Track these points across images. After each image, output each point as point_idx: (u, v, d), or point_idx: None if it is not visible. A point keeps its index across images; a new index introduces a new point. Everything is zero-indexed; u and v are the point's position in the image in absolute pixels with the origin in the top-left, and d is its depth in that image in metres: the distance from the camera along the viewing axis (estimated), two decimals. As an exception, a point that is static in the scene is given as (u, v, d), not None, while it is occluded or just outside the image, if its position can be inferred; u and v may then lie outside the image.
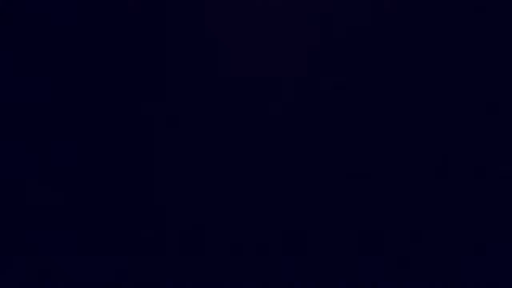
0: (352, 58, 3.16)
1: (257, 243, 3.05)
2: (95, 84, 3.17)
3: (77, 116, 3.15)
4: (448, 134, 3.11)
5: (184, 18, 3.19)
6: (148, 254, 3.04)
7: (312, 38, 3.18)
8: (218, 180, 3.10)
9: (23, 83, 3.17)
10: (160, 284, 3.02)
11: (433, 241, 3.04)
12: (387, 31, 3.16)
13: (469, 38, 3.15)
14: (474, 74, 3.14)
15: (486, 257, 3.01)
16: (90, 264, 3.03)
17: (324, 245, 3.05)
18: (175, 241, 3.06)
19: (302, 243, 3.05)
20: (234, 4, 3.21)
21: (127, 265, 3.03)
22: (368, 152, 3.12)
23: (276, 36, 3.20)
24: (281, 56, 3.18)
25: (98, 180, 3.10)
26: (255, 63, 3.18)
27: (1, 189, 3.09)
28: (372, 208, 3.07)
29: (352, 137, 3.13)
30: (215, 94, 3.17)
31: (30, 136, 3.12)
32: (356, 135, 3.13)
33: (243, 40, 3.20)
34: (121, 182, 3.10)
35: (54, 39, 3.19)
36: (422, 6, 3.17)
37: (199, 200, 3.09)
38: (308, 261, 3.03)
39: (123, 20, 3.19)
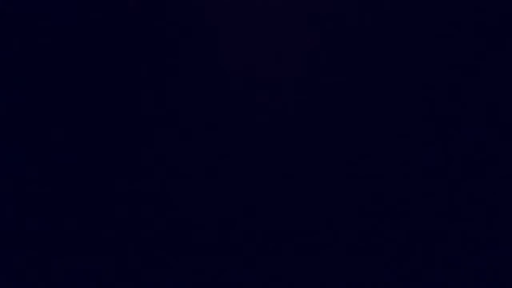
0: (352, 58, 3.16)
1: (257, 243, 3.05)
2: (94, 84, 3.17)
3: (75, 116, 3.16)
4: (448, 133, 3.11)
5: (183, 18, 3.19)
6: (148, 254, 3.04)
7: (312, 38, 3.18)
8: (218, 180, 3.10)
9: (23, 83, 3.18)
10: (160, 284, 3.02)
11: (433, 241, 3.04)
12: (387, 31, 3.16)
13: (469, 38, 3.15)
14: (474, 74, 3.14)
15: (486, 257, 3.01)
16: (90, 264, 3.03)
17: (324, 245, 3.05)
18: (175, 241, 3.06)
19: (302, 243, 3.05)
20: (234, 4, 3.21)
21: (127, 265, 3.03)
22: (368, 152, 3.12)
23: (276, 36, 3.20)
24: (281, 56, 3.18)
25: (98, 180, 3.10)
26: (255, 63, 3.19)
27: (1, 189, 3.09)
28: (372, 208, 3.07)
29: (352, 137, 3.13)
30: (214, 94, 3.17)
31: (30, 136, 3.13)
32: (356, 135, 3.13)
33: (243, 40, 3.20)
34: (121, 182, 3.10)
35: (54, 39, 3.19)
36: (422, 6, 3.17)
37: (199, 200, 3.09)
38: (308, 261, 3.03)
39: (122, 19, 3.19)
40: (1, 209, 3.07)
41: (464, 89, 3.14)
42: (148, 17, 3.19)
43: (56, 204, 3.08)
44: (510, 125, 3.11)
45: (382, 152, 3.12)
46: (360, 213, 3.07)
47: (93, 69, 3.18)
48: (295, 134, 3.14)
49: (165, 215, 3.08)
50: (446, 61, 3.14)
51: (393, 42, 3.16)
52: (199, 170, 3.11)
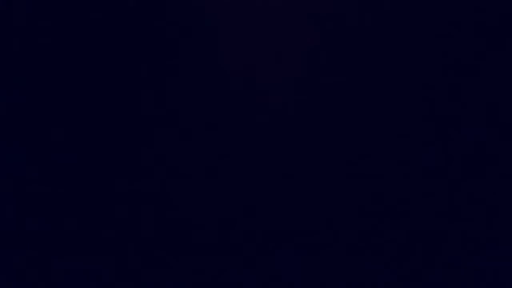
0: (352, 58, 3.16)
1: (257, 243, 3.05)
2: (94, 84, 3.18)
3: (75, 116, 3.16)
4: (448, 133, 3.11)
5: (183, 18, 3.19)
6: (148, 254, 3.04)
7: (312, 38, 3.18)
8: (218, 180, 3.10)
9: (23, 83, 3.18)
10: (160, 284, 3.02)
11: (433, 241, 3.04)
12: (387, 31, 3.16)
13: (469, 38, 3.15)
14: (474, 74, 3.14)
15: (486, 257, 3.01)
16: (90, 264, 3.03)
17: (324, 245, 3.05)
18: (175, 241, 3.06)
19: (302, 243, 3.05)
20: (234, 4, 3.21)
21: (127, 265, 3.03)
22: (368, 152, 3.12)
23: (276, 36, 3.20)
24: (281, 56, 3.18)
25: (97, 180, 3.10)
26: (255, 63, 3.19)
27: (1, 189, 3.09)
28: (372, 208, 3.07)
29: (352, 137, 3.13)
30: (214, 94, 3.17)
31: (30, 136, 3.13)
32: (356, 135, 3.13)
33: (243, 40, 3.20)
34: (121, 182, 3.10)
35: (53, 39, 3.19)
36: (422, 6, 3.17)
37: (199, 200, 3.09)
38: (308, 261, 3.03)
39: (122, 19, 3.19)
40: (1, 209, 3.07)
41: (464, 89, 3.14)
42: (148, 17, 3.19)
43: (56, 204, 3.08)
44: (510, 125, 3.11)
45: (382, 152, 3.12)
46: (360, 213, 3.07)
47: (93, 69, 3.18)
48: (295, 134, 3.14)
49: (165, 215, 3.08)
50: (446, 61, 3.14)
51: (393, 42, 3.16)
52: (199, 170, 3.11)
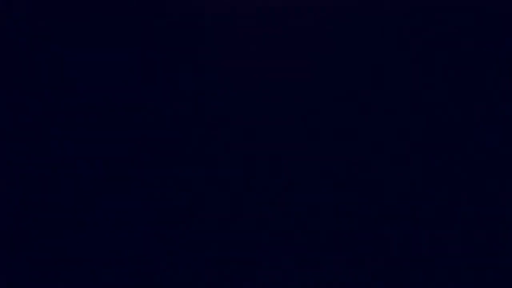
0: (352, 58, 3.17)
1: (259, 243, 3.06)
2: (93, 84, 3.18)
3: (75, 116, 3.16)
4: (449, 134, 3.12)
5: (184, 18, 3.20)
6: (148, 253, 3.04)
7: (312, 39, 3.19)
8: (218, 180, 3.11)
9: (24, 82, 3.18)
10: (159, 283, 3.02)
11: (433, 242, 3.04)
12: (387, 31, 3.17)
13: (469, 39, 3.16)
14: (474, 75, 3.14)
15: (486, 256, 3.01)
16: (92, 266, 3.03)
17: (324, 244, 3.06)
18: (176, 240, 3.06)
19: (301, 242, 3.05)
20: (234, 3, 3.22)
21: (127, 265, 3.03)
22: (368, 153, 3.12)
23: (277, 35, 3.21)
24: (281, 56, 3.19)
25: (98, 179, 3.11)
26: (256, 62, 3.19)
27: (1, 188, 3.09)
28: (371, 210, 3.07)
29: (353, 137, 3.13)
30: (214, 95, 3.18)
31: (31, 135, 3.13)
32: (356, 135, 3.13)
33: (243, 40, 3.21)
34: (121, 181, 3.11)
35: (51, 37, 3.20)
36: (422, 7, 3.18)
37: (199, 199, 3.10)
38: (309, 260, 3.03)
39: (122, 18, 3.20)
40: (1, 209, 3.08)
41: (465, 90, 3.14)
42: (148, 17, 3.20)
43: (57, 203, 3.09)
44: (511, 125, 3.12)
45: (382, 154, 3.12)
46: (360, 214, 3.07)
47: (93, 68, 3.19)
48: (296, 134, 3.14)
49: (165, 214, 3.08)
50: (446, 62, 3.15)
51: (394, 43, 3.17)
52: (198, 170, 3.12)
